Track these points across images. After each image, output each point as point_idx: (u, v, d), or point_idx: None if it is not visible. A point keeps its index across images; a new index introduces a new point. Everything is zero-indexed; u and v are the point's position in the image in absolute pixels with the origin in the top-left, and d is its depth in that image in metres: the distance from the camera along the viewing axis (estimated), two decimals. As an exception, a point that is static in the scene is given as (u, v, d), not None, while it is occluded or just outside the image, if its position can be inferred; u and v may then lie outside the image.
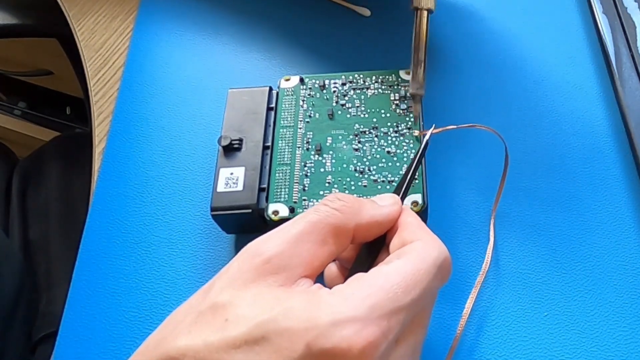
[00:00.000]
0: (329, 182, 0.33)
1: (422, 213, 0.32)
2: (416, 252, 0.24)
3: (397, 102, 0.36)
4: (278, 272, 0.22)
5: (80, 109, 0.91)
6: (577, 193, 0.35)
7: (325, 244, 0.24)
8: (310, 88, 0.37)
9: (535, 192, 0.35)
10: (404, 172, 0.32)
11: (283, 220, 0.32)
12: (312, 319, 0.21)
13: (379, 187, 0.33)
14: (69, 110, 0.93)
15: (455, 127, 0.32)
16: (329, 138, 0.35)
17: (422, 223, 0.26)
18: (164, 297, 0.33)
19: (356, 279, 0.23)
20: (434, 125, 0.31)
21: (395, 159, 0.34)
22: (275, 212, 0.32)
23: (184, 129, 0.39)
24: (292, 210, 0.32)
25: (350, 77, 0.37)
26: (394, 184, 0.33)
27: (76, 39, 0.41)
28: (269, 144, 0.35)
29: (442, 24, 0.42)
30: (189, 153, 0.38)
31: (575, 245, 0.33)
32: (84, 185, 0.37)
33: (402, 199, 0.28)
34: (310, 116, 0.36)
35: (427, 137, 0.30)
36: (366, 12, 0.43)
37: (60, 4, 0.46)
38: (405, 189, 0.29)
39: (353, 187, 0.33)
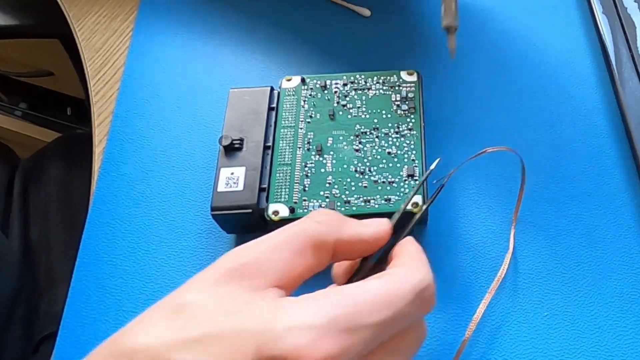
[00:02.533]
0: (329, 183, 0.33)
1: (423, 216, 0.32)
2: (396, 274, 0.23)
3: (399, 102, 0.36)
4: (250, 278, 0.22)
5: (81, 109, 0.92)
6: (577, 193, 0.35)
7: (304, 255, 0.23)
8: (311, 88, 0.37)
9: (535, 193, 0.35)
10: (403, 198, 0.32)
11: (283, 220, 0.32)
12: (268, 322, 0.20)
13: (379, 187, 0.33)
14: (69, 110, 0.93)
15: (465, 160, 0.31)
16: (330, 138, 0.35)
17: (421, 254, 0.25)
18: (163, 297, 0.33)
19: (327, 289, 0.22)
20: (439, 158, 0.29)
21: (395, 159, 0.34)
22: (276, 212, 0.32)
23: (184, 129, 0.39)
24: (292, 211, 0.32)
25: (352, 78, 0.37)
26: (394, 185, 0.33)
27: (76, 39, 0.41)
28: (270, 144, 0.35)
29: (439, 23, 0.42)
30: (189, 153, 0.38)
31: (575, 245, 0.33)
32: (84, 185, 0.37)
33: (398, 227, 0.27)
34: (311, 116, 0.36)
35: (428, 172, 0.30)
36: (366, 12, 0.43)
37: (60, 4, 0.46)
38: (402, 218, 0.28)
39: (353, 188, 0.33)
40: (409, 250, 0.25)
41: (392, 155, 0.34)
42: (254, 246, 0.23)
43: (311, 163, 0.34)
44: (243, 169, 0.34)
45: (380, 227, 0.26)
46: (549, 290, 0.32)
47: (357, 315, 0.20)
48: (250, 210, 0.33)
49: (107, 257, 0.35)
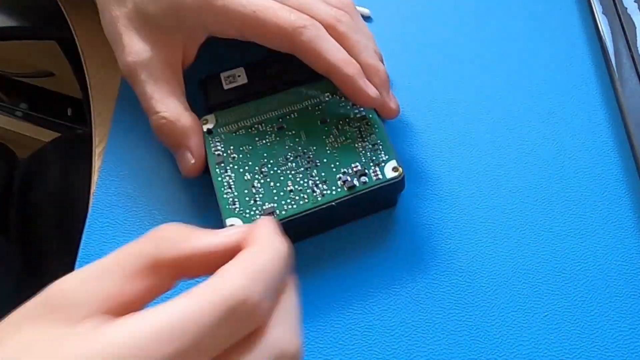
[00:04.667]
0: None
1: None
2: (206, 287, 0.19)
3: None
4: (62, 309, 0.19)
5: (81, 110, 0.92)
6: (577, 193, 0.35)
7: (136, 277, 0.21)
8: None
9: (535, 192, 0.35)
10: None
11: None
12: (51, 354, 0.18)
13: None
14: (70, 111, 0.93)
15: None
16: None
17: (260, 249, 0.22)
18: (163, 297, 0.33)
19: (136, 314, 0.19)
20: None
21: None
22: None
23: (184, 129, 0.39)
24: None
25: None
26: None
27: (76, 39, 0.41)
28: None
29: (441, 24, 0.42)
30: (189, 153, 0.38)
31: (575, 245, 0.33)
32: (84, 185, 0.37)
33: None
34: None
35: None
36: (365, 11, 0.43)
37: (60, 4, 0.46)
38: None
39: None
40: (245, 250, 0.22)
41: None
42: (77, 273, 0.21)
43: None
44: None
45: (230, 237, 0.22)
46: (549, 290, 0.32)
47: (146, 349, 0.18)
48: None
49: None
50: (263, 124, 0.34)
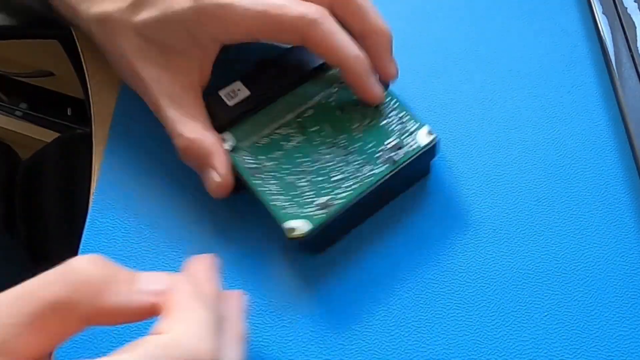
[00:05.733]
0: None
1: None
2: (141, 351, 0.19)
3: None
4: None
5: (81, 110, 0.92)
6: (577, 193, 0.35)
7: (45, 325, 0.19)
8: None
9: (535, 192, 0.35)
10: None
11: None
12: None
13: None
14: (70, 111, 0.93)
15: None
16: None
17: (197, 307, 0.21)
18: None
19: None
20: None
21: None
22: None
23: (184, 129, 0.39)
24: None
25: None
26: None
27: (76, 39, 0.41)
28: None
29: (441, 24, 0.42)
30: (189, 153, 0.38)
31: (575, 245, 0.33)
32: (85, 185, 0.37)
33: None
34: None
35: None
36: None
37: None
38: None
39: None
40: (178, 302, 0.21)
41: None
42: None
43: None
44: None
45: (148, 296, 0.21)
46: (549, 290, 0.32)
47: None
48: None
49: (107, 258, 0.35)
50: (283, 128, 0.34)
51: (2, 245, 0.51)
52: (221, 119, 0.35)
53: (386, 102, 0.35)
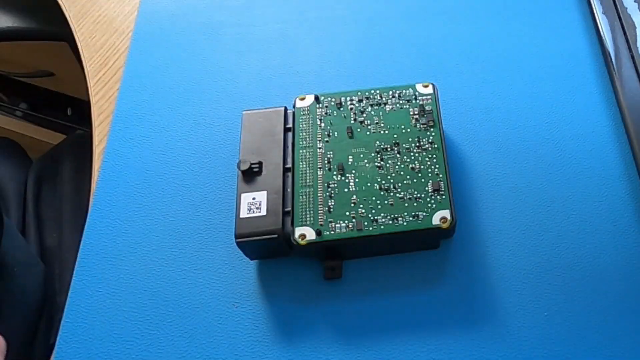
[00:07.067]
0: (354, 202, 0.32)
1: (450, 229, 0.32)
2: None
3: (417, 116, 0.35)
4: None
5: (81, 110, 0.92)
6: (577, 193, 0.35)
7: None
8: (326, 106, 0.36)
9: (535, 192, 0.35)
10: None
11: (311, 244, 0.31)
12: None
13: (406, 204, 0.32)
14: (70, 111, 0.93)
15: None
16: (350, 157, 0.34)
17: None
18: (164, 297, 0.33)
19: None
20: None
21: (420, 175, 0.33)
22: (302, 236, 0.32)
23: (184, 129, 0.39)
24: (318, 233, 0.31)
25: (367, 94, 0.36)
26: (420, 200, 0.32)
27: (76, 40, 0.41)
28: (289, 165, 0.34)
29: (441, 25, 0.42)
30: (189, 154, 0.38)
31: (575, 244, 0.33)
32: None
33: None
34: (329, 135, 0.35)
35: None
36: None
37: (61, 4, 0.46)
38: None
39: (380, 206, 0.32)
40: None
41: (416, 171, 0.33)
42: None
43: (333, 183, 0.33)
44: (264, 193, 0.33)
45: None
46: (549, 290, 0.32)
47: None
48: (275, 236, 0.32)
49: (107, 258, 0.35)
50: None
51: (19, 248, 0.51)
52: (255, 254, 0.34)
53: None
